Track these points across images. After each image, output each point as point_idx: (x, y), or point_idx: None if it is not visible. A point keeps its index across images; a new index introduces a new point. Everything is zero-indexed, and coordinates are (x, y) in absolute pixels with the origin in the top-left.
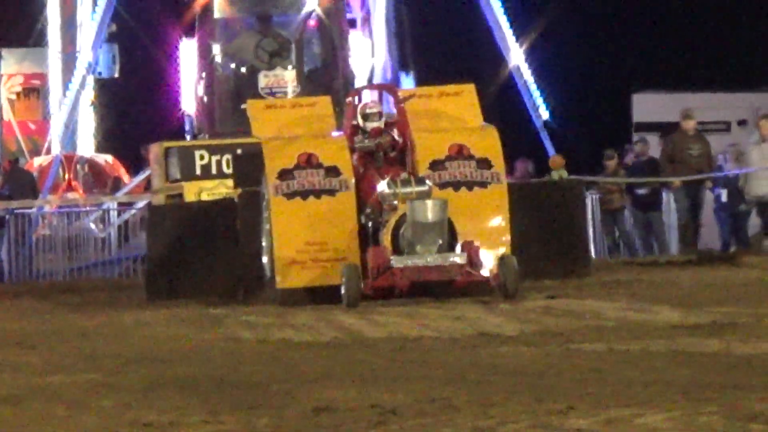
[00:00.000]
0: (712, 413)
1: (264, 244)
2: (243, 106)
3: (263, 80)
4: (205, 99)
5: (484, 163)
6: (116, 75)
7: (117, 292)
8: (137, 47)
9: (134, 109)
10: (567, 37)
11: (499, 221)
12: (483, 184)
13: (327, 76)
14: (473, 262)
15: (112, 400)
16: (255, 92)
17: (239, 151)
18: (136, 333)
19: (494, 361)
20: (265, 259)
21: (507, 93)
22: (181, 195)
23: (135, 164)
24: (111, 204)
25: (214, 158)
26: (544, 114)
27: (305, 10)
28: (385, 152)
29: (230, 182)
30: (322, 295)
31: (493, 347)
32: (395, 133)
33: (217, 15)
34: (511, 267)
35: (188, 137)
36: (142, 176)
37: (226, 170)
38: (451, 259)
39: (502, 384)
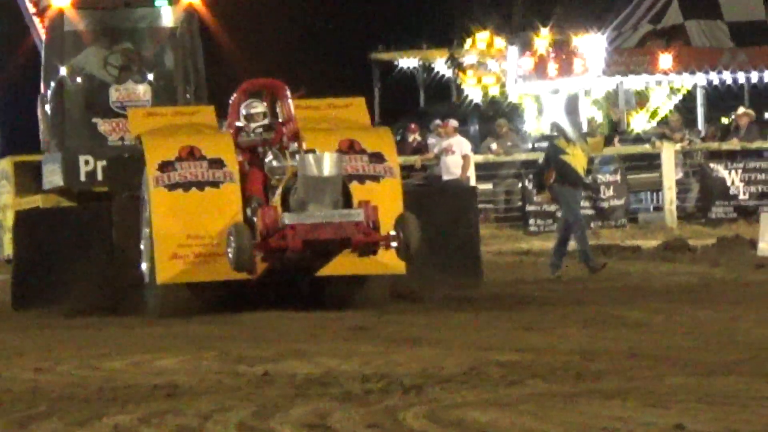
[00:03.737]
0: (211, 357)
1: (143, 248)
2: (94, 120)
3: (114, 94)
4: (54, 113)
5: (377, 157)
6: None
7: None
8: None
9: None
10: None
11: (393, 214)
12: (375, 178)
13: (182, 88)
14: (371, 221)
15: None
16: (107, 106)
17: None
18: None
19: None
20: (144, 266)
21: None
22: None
23: None
24: None
25: (100, 164)
26: None
27: (157, 24)
28: (271, 149)
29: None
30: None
31: None
32: (282, 130)
33: (67, 28)
34: (411, 223)
35: None
36: None
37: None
38: (348, 216)
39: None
